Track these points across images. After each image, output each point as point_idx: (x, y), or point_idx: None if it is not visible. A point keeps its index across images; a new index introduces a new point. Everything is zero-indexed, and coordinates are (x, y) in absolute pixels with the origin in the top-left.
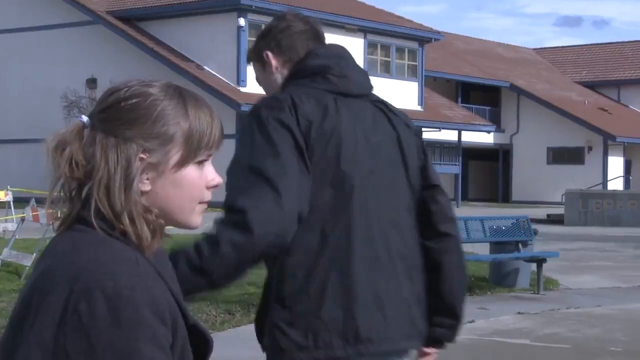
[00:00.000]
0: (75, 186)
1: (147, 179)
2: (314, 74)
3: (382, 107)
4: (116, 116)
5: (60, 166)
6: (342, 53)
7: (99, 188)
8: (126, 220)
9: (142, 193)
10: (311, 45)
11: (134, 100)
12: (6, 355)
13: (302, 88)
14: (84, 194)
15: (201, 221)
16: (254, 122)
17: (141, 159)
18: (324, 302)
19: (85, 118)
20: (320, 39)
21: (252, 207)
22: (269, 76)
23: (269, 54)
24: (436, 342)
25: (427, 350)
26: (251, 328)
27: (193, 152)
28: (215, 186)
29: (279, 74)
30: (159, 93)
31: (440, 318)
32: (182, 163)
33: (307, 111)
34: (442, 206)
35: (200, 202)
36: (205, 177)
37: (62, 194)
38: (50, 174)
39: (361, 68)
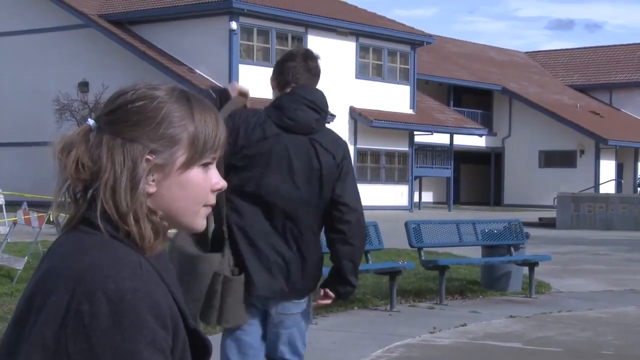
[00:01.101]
0: (81, 188)
1: (153, 180)
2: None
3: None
4: (123, 118)
5: (66, 167)
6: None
7: (105, 189)
8: (131, 221)
9: (148, 195)
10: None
11: (140, 103)
12: (8, 354)
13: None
14: (89, 195)
15: (205, 224)
16: None
17: (147, 160)
18: None
19: (91, 121)
20: (310, 73)
21: None
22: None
23: (271, 77)
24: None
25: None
26: None
27: (199, 154)
28: (220, 189)
29: (274, 93)
30: (165, 96)
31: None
32: (187, 165)
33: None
34: (342, 212)
35: (204, 205)
36: (210, 180)
37: (67, 196)
38: (56, 175)
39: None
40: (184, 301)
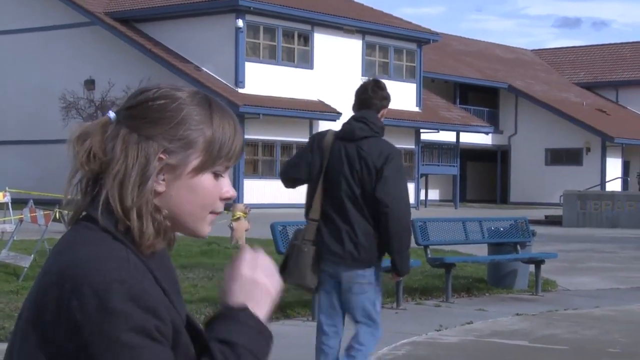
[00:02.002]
0: (91, 179)
1: (163, 179)
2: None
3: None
4: (142, 114)
5: (78, 155)
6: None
7: (113, 181)
8: (134, 216)
9: (156, 194)
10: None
11: (161, 102)
12: (18, 356)
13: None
14: (97, 187)
15: (209, 231)
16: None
17: (160, 159)
18: None
19: (112, 114)
20: (364, 103)
21: None
22: None
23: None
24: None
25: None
26: None
27: (212, 160)
28: (228, 198)
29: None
30: (187, 98)
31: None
32: (199, 169)
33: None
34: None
35: (211, 212)
36: (220, 188)
37: (77, 188)
38: (69, 163)
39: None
40: None
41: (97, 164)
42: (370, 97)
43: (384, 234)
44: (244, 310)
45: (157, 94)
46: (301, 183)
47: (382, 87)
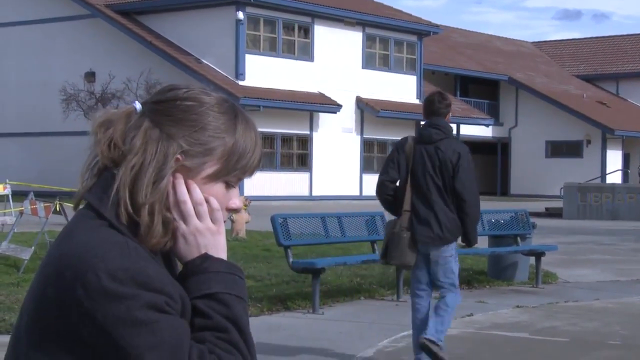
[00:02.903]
0: (102, 167)
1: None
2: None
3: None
4: (168, 112)
5: (100, 143)
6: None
7: (128, 173)
8: (145, 212)
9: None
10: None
11: (189, 103)
12: (28, 349)
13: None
14: (99, 175)
15: None
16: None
17: (177, 160)
18: None
19: (138, 105)
20: (434, 112)
21: None
22: None
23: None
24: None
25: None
26: (252, 321)
27: (228, 170)
28: (233, 210)
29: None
30: (214, 104)
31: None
32: (213, 177)
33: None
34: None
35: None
36: (229, 198)
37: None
38: (90, 148)
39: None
40: None
41: (117, 153)
42: (437, 107)
43: (460, 217)
44: (206, 259)
45: (186, 94)
46: (395, 183)
47: (446, 97)
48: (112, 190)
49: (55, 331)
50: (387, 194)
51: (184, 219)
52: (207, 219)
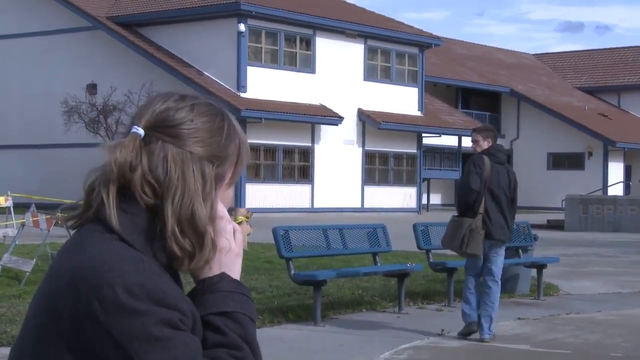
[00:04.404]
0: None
1: None
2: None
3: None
4: (186, 133)
5: (133, 183)
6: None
7: (177, 207)
8: (208, 239)
9: None
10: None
11: (202, 119)
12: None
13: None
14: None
15: None
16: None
17: (213, 177)
18: None
19: (141, 131)
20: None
21: None
22: None
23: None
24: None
25: None
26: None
27: (238, 171)
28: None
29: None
30: (223, 112)
31: None
32: (231, 182)
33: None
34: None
35: None
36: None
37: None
38: (102, 180)
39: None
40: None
41: (152, 190)
42: (493, 141)
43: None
44: (223, 279)
45: (192, 111)
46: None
47: (493, 129)
48: (145, 223)
49: (67, 344)
50: (471, 198)
51: (215, 236)
52: (232, 239)
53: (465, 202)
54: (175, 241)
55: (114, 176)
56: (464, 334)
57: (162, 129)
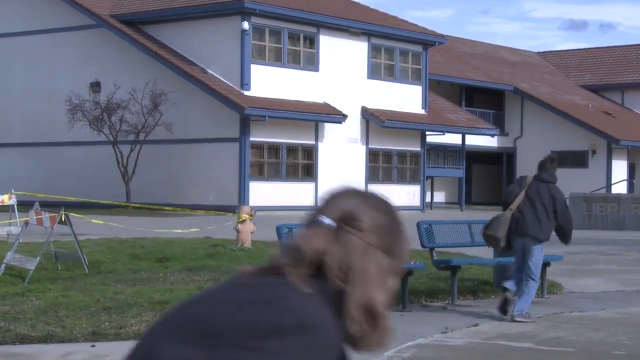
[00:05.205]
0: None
1: None
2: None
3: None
4: (370, 228)
5: (331, 269)
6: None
7: (361, 293)
8: (384, 320)
9: None
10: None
11: (382, 216)
12: None
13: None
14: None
15: None
16: None
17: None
18: None
19: (333, 223)
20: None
21: None
22: None
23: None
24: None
25: None
26: None
27: (399, 265)
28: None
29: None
30: (394, 210)
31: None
32: (395, 273)
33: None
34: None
35: None
36: None
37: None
38: (296, 256)
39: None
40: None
41: (340, 275)
42: (549, 166)
43: (558, 229)
44: None
45: (376, 207)
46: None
47: (554, 160)
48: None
49: None
50: (509, 201)
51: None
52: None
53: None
54: (356, 323)
55: (309, 259)
56: (500, 306)
57: (348, 221)
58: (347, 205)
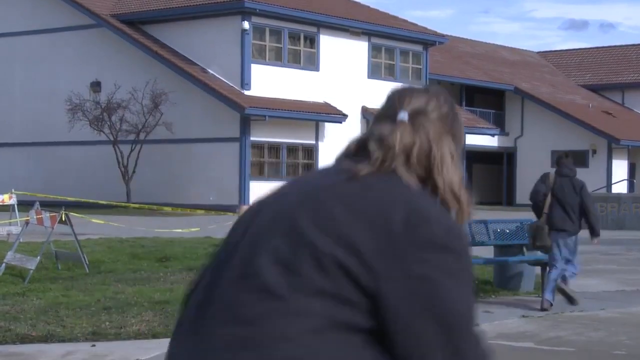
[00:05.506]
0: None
1: None
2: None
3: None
4: (440, 118)
5: (414, 161)
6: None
7: (448, 170)
8: (465, 195)
9: None
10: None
11: (447, 107)
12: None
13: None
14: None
15: None
16: None
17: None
18: None
19: (407, 116)
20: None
21: None
22: None
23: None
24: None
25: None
26: None
27: (460, 148)
28: None
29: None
30: (453, 102)
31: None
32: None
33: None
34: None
35: None
36: None
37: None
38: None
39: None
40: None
41: (423, 163)
42: (565, 161)
43: (588, 220)
44: None
45: (442, 100)
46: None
47: (568, 155)
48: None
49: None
50: (538, 200)
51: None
52: None
53: (533, 202)
54: (445, 202)
55: (398, 152)
56: (567, 300)
57: (421, 114)
58: (417, 100)
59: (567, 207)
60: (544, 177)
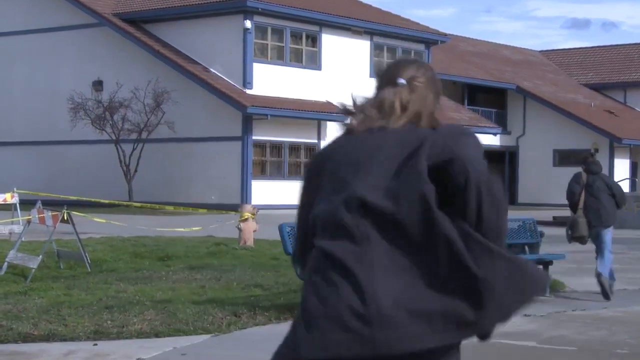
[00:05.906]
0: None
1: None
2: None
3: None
4: (426, 81)
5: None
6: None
7: (429, 113)
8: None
9: None
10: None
11: (429, 72)
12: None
13: None
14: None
15: None
16: None
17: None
18: None
19: (404, 81)
20: (590, 162)
21: None
22: None
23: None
24: None
25: None
26: (257, 330)
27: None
28: None
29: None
30: (432, 69)
31: None
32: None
33: None
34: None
35: None
36: None
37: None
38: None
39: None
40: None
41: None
42: (591, 160)
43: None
44: None
45: (424, 67)
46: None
47: (592, 154)
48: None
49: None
50: (574, 200)
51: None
52: None
53: (570, 200)
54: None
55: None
56: (602, 293)
57: (414, 79)
58: (410, 68)
59: (600, 203)
60: (577, 177)
